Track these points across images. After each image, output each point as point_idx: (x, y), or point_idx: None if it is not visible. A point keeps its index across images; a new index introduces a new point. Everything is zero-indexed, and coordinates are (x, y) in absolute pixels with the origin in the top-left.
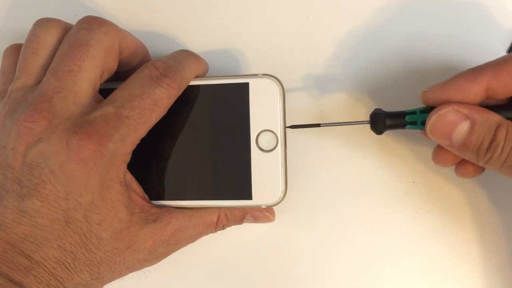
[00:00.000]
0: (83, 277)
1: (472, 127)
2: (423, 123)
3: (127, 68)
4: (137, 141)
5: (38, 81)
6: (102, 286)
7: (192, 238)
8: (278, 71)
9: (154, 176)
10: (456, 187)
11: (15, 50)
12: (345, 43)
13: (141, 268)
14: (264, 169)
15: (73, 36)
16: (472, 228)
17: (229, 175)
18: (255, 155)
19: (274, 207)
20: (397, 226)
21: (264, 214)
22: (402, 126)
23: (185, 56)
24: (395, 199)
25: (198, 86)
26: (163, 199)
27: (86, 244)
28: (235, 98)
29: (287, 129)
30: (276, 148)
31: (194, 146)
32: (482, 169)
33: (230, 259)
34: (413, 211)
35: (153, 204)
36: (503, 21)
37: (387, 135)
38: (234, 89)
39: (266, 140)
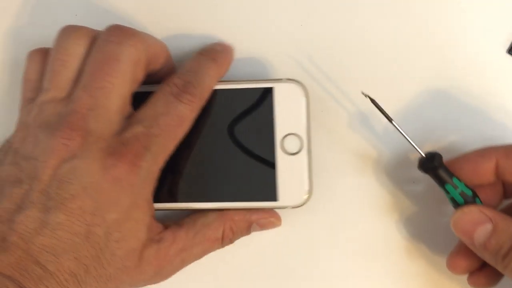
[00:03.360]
0: None
1: (493, 231)
2: (453, 200)
3: (150, 73)
4: (167, 157)
5: (68, 94)
6: None
7: (198, 256)
8: (278, 71)
9: (182, 179)
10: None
11: (41, 56)
12: (345, 43)
13: (146, 286)
14: (289, 172)
15: (101, 49)
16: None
17: (255, 177)
18: (281, 158)
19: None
20: (397, 226)
21: (269, 220)
22: (441, 185)
23: (203, 63)
24: (395, 199)
25: (223, 90)
26: (191, 201)
27: (100, 259)
28: (260, 102)
29: (312, 130)
30: (301, 151)
31: (220, 149)
32: (495, 281)
33: (230, 259)
34: (413, 211)
35: (158, 223)
36: (503, 21)
37: (388, 136)
38: (258, 93)
39: (291, 143)
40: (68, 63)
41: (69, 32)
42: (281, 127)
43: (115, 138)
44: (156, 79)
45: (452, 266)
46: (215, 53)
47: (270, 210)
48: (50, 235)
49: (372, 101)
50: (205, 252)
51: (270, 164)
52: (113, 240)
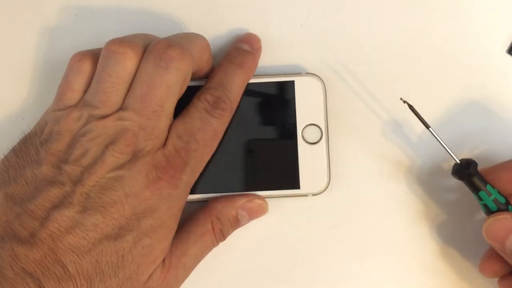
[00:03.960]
0: None
1: None
2: (486, 207)
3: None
4: (202, 169)
5: (117, 111)
6: None
7: (198, 257)
8: (277, 70)
9: (210, 169)
10: (456, 187)
11: (86, 66)
12: (345, 43)
13: None
14: (310, 160)
15: (151, 75)
16: (472, 228)
17: (278, 166)
18: (302, 147)
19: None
20: (397, 226)
21: (257, 203)
22: (474, 191)
23: (230, 73)
24: (395, 199)
25: (248, 84)
26: (217, 192)
27: (117, 268)
28: (282, 95)
29: (331, 122)
30: (321, 140)
31: (245, 139)
32: None
33: (229, 259)
34: (413, 211)
35: None
36: (503, 21)
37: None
38: (281, 87)
39: (311, 133)
40: (118, 85)
41: (118, 50)
42: (301, 118)
43: (159, 152)
44: (196, 76)
45: (483, 269)
46: (241, 58)
47: (256, 196)
48: (81, 235)
49: (410, 107)
50: (203, 250)
51: (292, 153)
52: (140, 246)
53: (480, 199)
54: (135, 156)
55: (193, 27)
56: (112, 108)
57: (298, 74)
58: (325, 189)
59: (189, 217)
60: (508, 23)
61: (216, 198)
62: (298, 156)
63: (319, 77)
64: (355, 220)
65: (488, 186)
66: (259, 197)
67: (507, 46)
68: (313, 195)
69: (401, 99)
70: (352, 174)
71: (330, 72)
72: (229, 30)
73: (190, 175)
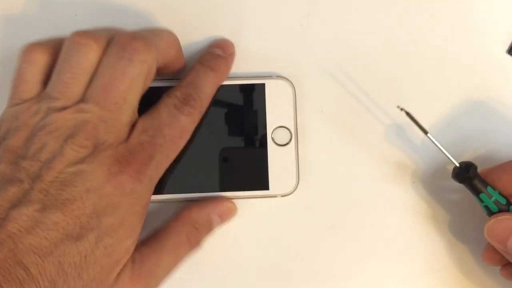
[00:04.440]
0: None
1: None
2: (487, 209)
3: (160, 68)
4: (167, 166)
5: (78, 103)
6: None
7: (170, 266)
8: (277, 70)
9: (177, 170)
10: (456, 187)
11: (39, 55)
12: (345, 43)
13: None
14: (279, 162)
15: (113, 66)
16: (472, 228)
17: (248, 167)
18: (271, 149)
19: (288, 198)
20: (397, 226)
21: (226, 205)
22: (475, 194)
23: (202, 74)
24: (395, 199)
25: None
26: (186, 192)
27: (81, 269)
28: (253, 97)
29: (302, 124)
30: (290, 142)
31: (216, 141)
32: None
33: (229, 259)
34: (413, 211)
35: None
36: (503, 21)
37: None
38: (251, 89)
39: (281, 135)
40: (80, 77)
41: (81, 41)
42: (271, 121)
43: (122, 146)
44: (165, 72)
45: (486, 258)
46: (214, 62)
47: (224, 198)
48: (41, 235)
49: (408, 114)
50: (176, 260)
51: (262, 155)
52: (102, 246)
53: (481, 201)
54: (96, 150)
55: (189, 26)
56: (72, 99)
57: (269, 77)
58: (294, 191)
59: (162, 227)
60: (508, 23)
61: (188, 206)
62: (268, 158)
63: (289, 80)
64: (355, 220)
65: (489, 188)
66: (228, 200)
67: (507, 46)
68: (282, 196)
69: (398, 107)
70: (352, 175)
71: (327, 74)
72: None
73: (154, 171)
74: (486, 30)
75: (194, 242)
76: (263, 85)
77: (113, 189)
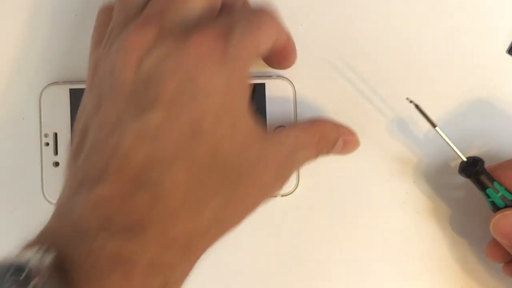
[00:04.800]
0: (185, 225)
1: None
2: (493, 204)
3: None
4: (254, 60)
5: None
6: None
7: (301, 162)
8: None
9: None
10: (456, 187)
11: (108, 10)
12: (345, 42)
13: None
14: None
15: None
16: (474, 225)
17: None
18: None
19: (288, 198)
20: (397, 226)
21: (356, 137)
22: (482, 189)
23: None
24: (395, 199)
25: None
26: None
27: (212, 166)
28: (253, 96)
29: None
30: None
31: None
32: None
33: (229, 259)
34: (413, 211)
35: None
36: (503, 21)
37: (387, 137)
38: (251, 89)
39: None
40: None
41: None
42: (272, 120)
43: (196, 20)
44: None
45: (489, 255)
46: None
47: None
48: (150, 145)
49: (417, 107)
50: (304, 159)
51: None
52: (222, 134)
53: (488, 196)
54: (163, 29)
55: None
56: (135, 9)
57: (269, 76)
58: (294, 191)
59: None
60: (508, 23)
61: (322, 120)
62: None
63: (290, 80)
64: (355, 220)
65: (495, 183)
66: (356, 134)
67: (507, 46)
68: (282, 196)
69: (407, 99)
70: (352, 175)
71: (327, 74)
72: None
73: (240, 39)
74: (486, 30)
75: (321, 150)
76: (263, 84)
77: (198, 63)
